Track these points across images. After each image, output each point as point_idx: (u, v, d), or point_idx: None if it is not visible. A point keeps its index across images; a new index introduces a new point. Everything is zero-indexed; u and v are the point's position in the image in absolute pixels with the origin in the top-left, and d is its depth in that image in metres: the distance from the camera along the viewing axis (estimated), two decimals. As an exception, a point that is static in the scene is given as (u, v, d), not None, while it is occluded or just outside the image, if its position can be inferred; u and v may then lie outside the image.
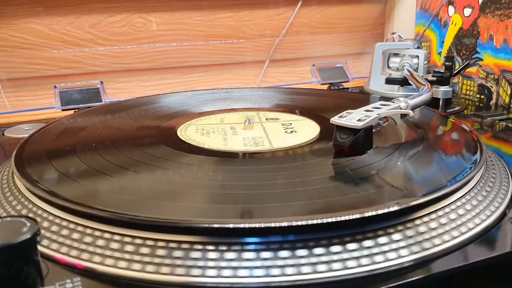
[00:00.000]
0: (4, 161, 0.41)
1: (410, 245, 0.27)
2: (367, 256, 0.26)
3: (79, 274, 0.25)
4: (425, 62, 0.62)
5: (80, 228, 0.28)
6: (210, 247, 0.26)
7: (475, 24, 0.67)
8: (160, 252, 0.26)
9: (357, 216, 0.26)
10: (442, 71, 0.62)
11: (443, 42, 0.73)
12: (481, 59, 0.66)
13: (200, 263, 0.25)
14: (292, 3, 0.78)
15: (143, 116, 0.51)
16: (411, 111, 0.41)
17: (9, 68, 0.65)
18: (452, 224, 0.29)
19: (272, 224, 0.26)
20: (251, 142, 0.42)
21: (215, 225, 0.26)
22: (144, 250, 0.26)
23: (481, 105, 0.66)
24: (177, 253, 0.26)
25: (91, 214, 0.28)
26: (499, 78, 0.63)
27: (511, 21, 0.61)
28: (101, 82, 0.63)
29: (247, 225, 0.26)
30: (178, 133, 0.45)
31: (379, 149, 0.38)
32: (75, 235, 0.28)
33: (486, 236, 0.29)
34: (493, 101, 0.65)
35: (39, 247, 0.23)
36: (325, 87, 0.74)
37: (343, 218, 0.26)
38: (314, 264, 0.25)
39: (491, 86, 0.65)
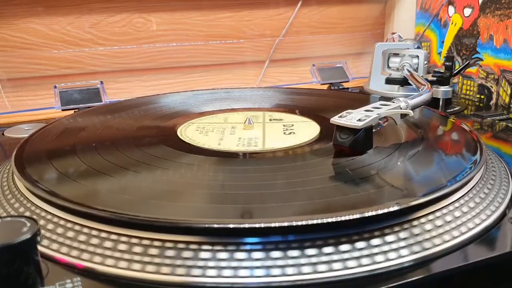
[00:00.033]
0: (4, 161, 0.41)
1: (410, 245, 0.27)
2: (367, 256, 0.26)
3: (79, 274, 0.25)
4: (425, 62, 0.62)
5: (80, 228, 0.28)
6: (210, 247, 0.26)
7: (475, 24, 0.67)
8: (160, 252, 0.26)
9: (357, 216, 0.26)
10: (442, 71, 0.62)
11: (443, 42, 0.73)
12: (481, 59, 0.66)
13: (200, 263, 0.25)
14: (292, 3, 0.78)
15: (143, 116, 0.51)
16: (411, 111, 0.41)
17: (9, 68, 0.65)
18: (452, 224, 0.29)
19: (272, 224, 0.26)
20: (245, 142, 0.42)
21: (215, 225, 0.26)
22: (144, 250, 0.26)
23: (481, 105, 0.66)
24: (177, 253, 0.26)
25: (91, 214, 0.28)
26: (499, 78, 0.63)
27: (511, 21, 0.61)
28: (101, 82, 0.63)
29: (247, 225, 0.26)
30: (178, 133, 0.45)
31: (379, 149, 0.38)
32: (75, 235, 0.28)
33: (486, 236, 0.29)
34: (493, 101, 0.65)
35: (39, 247, 0.23)
36: (325, 87, 0.74)
37: (343, 218, 0.26)
38: (314, 264, 0.25)
39: (491, 86, 0.65)
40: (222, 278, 0.25)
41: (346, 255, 0.26)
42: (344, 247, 0.26)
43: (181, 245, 0.26)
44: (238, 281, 0.24)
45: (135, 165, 0.36)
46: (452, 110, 0.61)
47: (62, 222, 0.29)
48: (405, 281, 0.25)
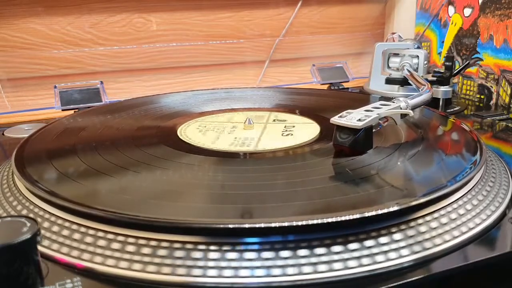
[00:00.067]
0: (4, 161, 0.41)
1: (410, 245, 0.27)
2: (367, 256, 0.26)
3: (79, 274, 0.25)
4: (425, 62, 0.62)
5: (80, 228, 0.28)
6: (210, 247, 0.26)
7: (475, 24, 0.67)
8: (160, 252, 0.26)
9: (357, 216, 0.26)
10: (442, 71, 0.62)
11: (443, 42, 0.73)
12: (481, 59, 0.66)
13: (200, 263, 0.25)
14: (292, 3, 0.78)
15: (143, 116, 0.51)
16: (411, 111, 0.41)
17: (9, 68, 0.65)
18: (452, 224, 0.29)
19: (273, 224, 0.26)
20: (239, 142, 0.42)
21: (215, 225, 0.26)
22: (144, 250, 0.26)
23: (481, 105, 0.66)
24: (177, 253, 0.26)
25: (91, 214, 0.28)
26: (499, 78, 0.63)
27: (511, 21, 0.61)
28: (101, 82, 0.63)
29: (247, 225, 0.26)
30: (178, 133, 0.45)
31: (379, 149, 0.38)
32: (75, 235, 0.28)
33: (486, 236, 0.29)
34: (493, 101, 0.65)
35: (39, 247, 0.23)
36: (325, 87, 0.74)
37: (343, 218, 0.26)
38: (314, 264, 0.25)
39: (491, 86, 0.65)
40: (222, 278, 0.25)
41: (346, 255, 0.26)
42: (344, 247, 0.26)
43: (181, 245, 0.26)
44: (238, 281, 0.24)
45: (135, 165, 0.36)
46: (452, 110, 0.61)
47: (62, 222, 0.29)
48: (405, 281, 0.25)
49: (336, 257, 0.25)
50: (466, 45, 0.68)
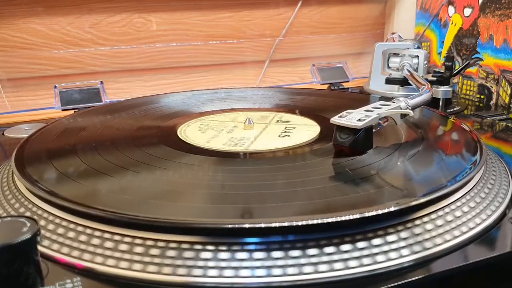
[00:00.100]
0: (4, 161, 0.41)
1: (410, 245, 0.27)
2: (367, 256, 0.26)
3: (79, 274, 0.25)
4: (425, 62, 0.62)
5: (80, 228, 0.28)
6: (211, 247, 0.26)
7: (475, 24, 0.67)
8: (160, 252, 0.26)
9: (357, 216, 0.26)
10: (442, 71, 0.62)
11: (443, 42, 0.73)
12: (481, 59, 0.66)
13: (200, 263, 0.25)
14: (292, 3, 0.78)
15: (143, 116, 0.51)
16: (411, 111, 0.41)
17: (9, 68, 0.65)
18: (452, 224, 0.29)
19: (273, 224, 0.26)
20: (233, 142, 0.42)
21: (215, 225, 0.26)
22: (144, 250, 0.26)
23: (481, 105, 0.66)
24: (177, 253, 0.26)
25: (91, 214, 0.28)
26: (499, 78, 0.63)
27: (511, 21, 0.61)
28: (101, 82, 0.63)
29: (247, 225, 0.26)
30: (178, 133, 0.45)
31: (379, 149, 0.38)
32: (75, 235, 0.28)
33: (486, 236, 0.29)
34: (493, 101, 0.65)
35: (39, 247, 0.23)
36: (325, 87, 0.74)
37: (343, 218, 0.26)
38: (314, 264, 0.25)
39: (491, 86, 0.65)
40: (223, 278, 0.25)
41: (346, 255, 0.26)
42: (344, 247, 0.26)
43: (181, 245, 0.26)
44: (239, 281, 0.24)
45: (135, 165, 0.36)
46: (452, 110, 0.61)
47: (62, 222, 0.29)
48: (405, 281, 0.25)
49: (336, 257, 0.25)
50: (466, 45, 0.68)
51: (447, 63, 0.62)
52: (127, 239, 0.27)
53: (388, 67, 0.65)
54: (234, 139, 0.43)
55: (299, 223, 0.26)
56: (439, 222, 0.29)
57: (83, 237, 0.27)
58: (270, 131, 0.45)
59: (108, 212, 0.28)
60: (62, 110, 0.60)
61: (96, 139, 0.43)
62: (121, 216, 0.27)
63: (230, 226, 0.26)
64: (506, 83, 0.62)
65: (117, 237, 0.27)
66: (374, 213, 0.27)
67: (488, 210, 0.31)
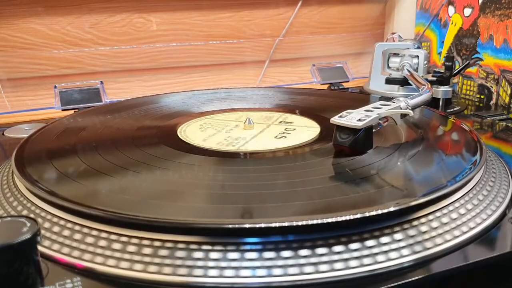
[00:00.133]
0: (4, 161, 0.41)
1: (410, 245, 0.27)
2: (367, 256, 0.26)
3: (79, 274, 0.25)
4: (425, 62, 0.62)
5: (80, 228, 0.28)
6: (211, 247, 0.26)
7: (475, 24, 0.67)
8: (160, 252, 0.26)
9: (357, 216, 0.26)
10: (442, 71, 0.62)
11: (443, 42, 0.73)
12: (481, 59, 0.66)
13: (201, 263, 0.25)
14: (292, 3, 0.78)
15: (143, 116, 0.51)
16: (411, 111, 0.41)
17: (9, 68, 0.65)
18: (452, 224, 0.29)
19: (273, 224, 0.26)
20: (228, 142, 0.42)
21: (215, 225, 0.26)
22: (144, 250, 0.26)
23: (481, 105, 0.66)
24: (177, 253, 0.26)
25: (91, 214, 0.28)
26: (499, 78, 0.63)
27: (511, 21, 0.61)
28: (101, 82, 0.63)
29: (247, 225, 0.26)
30: (178, 133, 0.45)
31: (379, 149, 0.38)
32: (75, 235, 0.28)
33: (486, 236, 0.29)
34: (493, 101, 0.65)
35: (39, 247, 0.23)
36: (325, 87, 0.74)
37: (343, 218, 0.26)
38: (314, 264, 0.25)
39: (491, 86, 0.65)
40: (223, 278, 0.25)
41: (346, 255, 0.26)
42: (344, 247, 0.26)
43: (181, 245, 0.26)
44: (239, 281, 0.24)
45: (135, 165, 0.36)
46: (452, 110, 0.61)
47: (62, 222, 0.29)
48: (405, 281, 0.25)
49: (336, 257, 0.25)
50: (466, 45, 0.68)
51: (447, 63, 0.62)
52: (127, 239, 0.27)
53: (388, 67, 0.65)
54: (230, 138, 0.43)
55: (299, 223, 0.26)
56: (439, 222, 0.29)
57: (83, 237, 0.27)
58: (269, 132, 0.45)
59: (108, 212, 0.28)
60: (62, 110, 0.60)
61: (96, 139, 0.43)
62: (121, 216, 0.27)
63: (230, 226, 0.26)
64: (506, 83, 0.62)
65: (117, 237, 0.27)
66: (374, 213, 0.27)
67: (488, 210, 0.31)
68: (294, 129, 0.46)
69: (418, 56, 0.62)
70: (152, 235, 0.26)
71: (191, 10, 0.72)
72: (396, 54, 0.64)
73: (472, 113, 0.60)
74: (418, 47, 0.66)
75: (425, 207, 0.29)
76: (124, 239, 0.27)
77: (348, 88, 0.73)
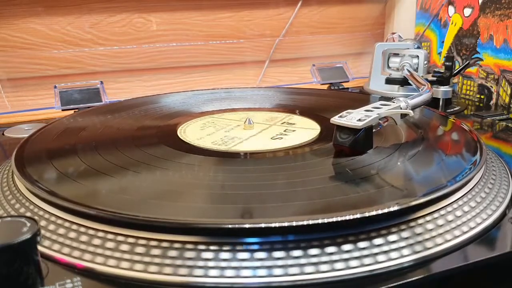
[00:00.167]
0: (4, 161, 0.41)
1: (410, 245, 0.27)
2: (367, 256, 0.26)
3: (79, 274, 0.25)
4: (425, 62, 0.62)
5: (80, 228, 0.28)
6: (211, 247, 0.26)
7: (475, 24, 0.67)
8: (160, 252, 0.26)
9: (357, 216, 0.26)
10: (442, 71, 0.62)
11: (443, 42, 0.73)
12: (481, 59, 0.66)
13: (200, 263, 0.25)
14: (292, 3, 0.78)
15: (143, 116, 0.51)
16: (411, 111, 0.41)
17: (9, 68, 0.65)
18: (452, 224, 0.29)
19: (273, 224, 0.26)
20: (223, 141, 0.42)
21: (215, 225, 0.26)
22: (144, 250, 0.26)
23: (481, 105, 0.66)
24: (177, 253, 0.26)
25: (91, 214, 0.28)
26: (499, 78, 0.63)
27: (511, 21, 0.61)
28: (101, 82, 0.63)
29: (247, 225, 0.26)
30: (178, 133, 0.45)
31: (379, 149, 0.38)
32: (75, 235, 0.28)
33: (486, 236, 0.29)
34: (493, 101, 0.65)
35: (39, 247, 0.23)
36: (325, 87, 0.74)
37: (343, 218, 0.26)
38: (315, 264, 0.25)
39: (491, 86, 0.65)
40: (223, 278, 0.25)
41: (346, 255, 0.26)
42: (344, 247, 0.26)
43: (181, 245, 0.26)
44: (239, 281, 0.24)
45: (135, 165, 0.36)
46: (452, 110, 0.61)
47: (62, 222, 0.29)
48: (405, 281, 0.25)
49: (336, 257, 0.25)
50: (466, 45, 0.68)
51: (447, 63, 0.62)
52: (127, 239, 0.27)
53: (388, 67, 0.65)
54: (226, 138, 0.43)
55: (299, 223, 0.26)
56: (439, 222, 0.29)
57: (83, 237, 0.27)
58: (268, 132, 0.45)
59: (108, 212, 0.28)
60: (62, 110, 0.60)
61: (96, 139, 0.43)
62: (121, 216, 0.27)
63: (230, 226, 0.26)
64: (506, 83, 0.62)
65: (117, 237, 0.27)
66: (374, 213, 0.27)
67: (488, 210, 0.31)
68: (294, 130, 0.46)
69: (418, 56, 0.62)
70: (152, 235, 0.26)
71: (191, 10, 0.72)
72: (396, 54, 0.64)
73: (472, 113, 0.60)
74: (418, 47, 0.66)
75: (425, 207, 0.29)
76: (124, 239, 0.27)
77: (348, 88, 0.73)
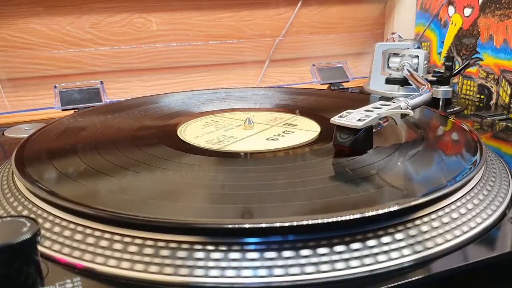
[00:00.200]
0: (4, 161, 0.41)
1: (411, 245, 0.27)
2: (367, 256, 0.26)
3: (79, 274, 0.25)
4: (425, 62, 0.62)
5: (80, 228, 0.28)
6: (211, 247, 0.26)
7: (475, 24, 0.67)
8: (160, 252, 0.26)
9: (358, 216, 0.26)
10: (442, 71, 0.62)
11: (443, 42, 0.73)
12: (481, 59, 0.66)
13: (201, 263, 0.25)
14: (292, 3, 0.78)
15: (143, 116, 0.51)
16: (411, 111, 0.41)
17: (9, 68, 0.65)
18: (452, 224, 0.29)
19: (273, 224, 0.26)
20: (218, 140, 0.42)
21: (215, 225, 0.26)
22: (144, 250, 0.26)
23: (481, 105, 0.66)
24: (177, 253, 0.26)
25: (91, 214, 0.28)
26: (499, 78, 0.63)
27: (511, 21, 0.61)
28: (101, 82, 0.63)
29: (247, 225, 0.26)
30: (178, 133, 0.45)
31: (379, 149, 0.38)
32: (75, 235, 0.28)
33: (486, 236, 0.29)
34: (493, 101, 0.65)
35: (39, 247, 0.23)
36: (325, 87, 0.74)
37: (343, 218, 0.26)
38: (315, 264, 0.25)
39: (491, 86, 0.65)
40: (223, 278, 0.25)
41: (346, 255, 0.26)
42: (344, 247, 0.26)
43: (181, 245, 0.26)
44: (239, 281, 0.24)
45: (135, 165, 0.36)
46: (452, 110, 0.61)
47: (62, 222, 0.29)
48: (405, 281, 0.25)
49: (336, 257, 0.25)
50: (466, 45, 0.68)
51: (447, 63, 0.62)
52: (127, 239, 0.27)
53: (388, 67, 0.65)
54: (223, 137, 0.43)
55: (299, 223, 0.26)
56: (439, 222, 0.29)
57: (82, 237, 0.27)
58: (266, 133, 0.45)
59: (108, 212, 0.28)
60: (62, 110, 0.60)
61: (96, 139, 0.43)
62: (121, 216, 0.27)
63: (230, 226, 0.26)
64: (506, 83, 0.62)
65: (117, 237, 0.27)
66: (374, 213, 0.27)
67: (488, 210, 0.31)
68: (293, 131, 0.45)
69: (418, 56, 0.62)
70: (152, 235, 0.26)
71: (191, 10, 0.72)
72: (396, 54, 0.64)
73: (472, 113, 0.60)
74: (418, 47, 0.66)
75: (425, 207, 0.29)
76: (124, 239, 0.27)
77: (348, 88, 0.73)
